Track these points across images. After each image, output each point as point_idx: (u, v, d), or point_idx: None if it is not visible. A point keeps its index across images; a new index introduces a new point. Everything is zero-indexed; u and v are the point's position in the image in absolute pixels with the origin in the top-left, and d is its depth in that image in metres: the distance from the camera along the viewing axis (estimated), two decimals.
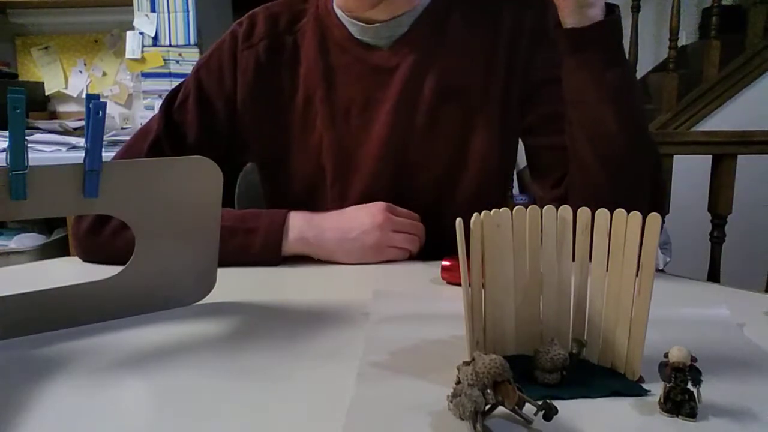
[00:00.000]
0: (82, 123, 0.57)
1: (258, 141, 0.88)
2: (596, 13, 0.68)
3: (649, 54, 3.52)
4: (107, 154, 0.54)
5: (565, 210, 0.45)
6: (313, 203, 0.85)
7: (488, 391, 0.36)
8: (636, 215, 0.42)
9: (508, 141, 0.85)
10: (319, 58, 0.83)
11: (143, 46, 2.30)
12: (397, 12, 0.80)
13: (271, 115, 0.86)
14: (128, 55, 2.31)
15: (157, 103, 2.29)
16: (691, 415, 0.38)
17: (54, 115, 2.62)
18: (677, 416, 0.38)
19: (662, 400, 0.39)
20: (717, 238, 2.06)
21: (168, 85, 2.30)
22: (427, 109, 0.80)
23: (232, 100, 0.86)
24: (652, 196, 0.74)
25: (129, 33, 2.31)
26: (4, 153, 0.49)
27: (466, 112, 0.81)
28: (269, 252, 0.76)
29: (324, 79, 0.82)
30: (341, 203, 0.83)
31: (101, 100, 0.51)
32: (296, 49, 0.85)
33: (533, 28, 0.81)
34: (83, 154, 0.51)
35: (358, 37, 0.82)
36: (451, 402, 0.37)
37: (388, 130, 0.81)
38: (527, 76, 0.81)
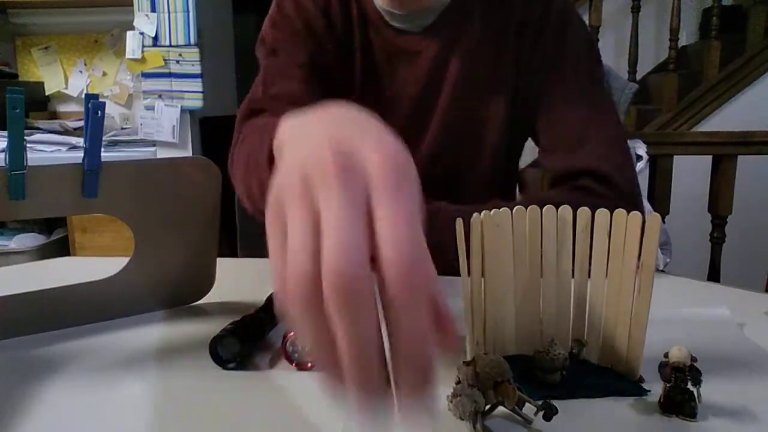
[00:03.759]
0: (82, 123, 0.58)
1: None
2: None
3: (649, 54, 3.51)
4: (106, 154, 0.54)
5: (565, 210, 0.45)
6: None
7: (488, 391, 0.36)
8: (636, 215, 0.42)
9: (515, 133, 0.87)
10: (359, 29, 0.85)
11: (143, 46, 2.29)
12: (427, 4, 0.83)
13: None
14: (128, 55, 2.31)
15: (158, 103, 2.28)
16: (691, 415, 0.38)
17: (54, 115, 2.62)
18: (677, 416, 0.38)
19: (662, 400, 0.38)
20: (717, 238, 2.06)
21: (168, 85, 2.26)
22: (451, 90, 0.83)
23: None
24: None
25: (129, 33, 2.31)
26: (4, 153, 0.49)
27: (481, 102, 0.84)
28: None
29: (360, 47, 0.85)
30: None
31: (101, 100, 0.51)
32: (348, 8, 0.86)
33: (542, 18, 0.82)
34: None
35: (390, 22, 0.85)
36: (451, 402, 0.37)
37: (414, 110, 0.84)
38: (531, 65, 0.83)
